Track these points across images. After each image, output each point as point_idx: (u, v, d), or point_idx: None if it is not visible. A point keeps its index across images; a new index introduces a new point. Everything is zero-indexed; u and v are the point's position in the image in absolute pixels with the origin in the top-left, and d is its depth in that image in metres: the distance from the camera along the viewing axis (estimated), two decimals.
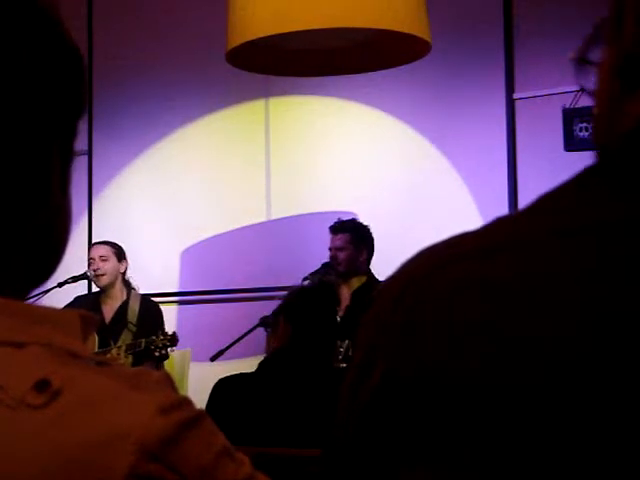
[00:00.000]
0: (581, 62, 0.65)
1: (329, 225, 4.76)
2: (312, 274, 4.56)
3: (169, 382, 0.65)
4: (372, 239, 4.70)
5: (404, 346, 0.58)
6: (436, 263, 0.60)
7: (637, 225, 0.56)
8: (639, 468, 0.52)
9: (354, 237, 4.65)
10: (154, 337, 4.48)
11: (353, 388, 0.61)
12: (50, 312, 0.67)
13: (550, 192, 0.61)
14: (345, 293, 4.57)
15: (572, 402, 0.53)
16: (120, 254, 4.87)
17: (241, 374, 2.94)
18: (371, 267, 4.70)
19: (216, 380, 2.92)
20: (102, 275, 4.81)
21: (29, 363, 0.62)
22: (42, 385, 0.61)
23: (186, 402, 0.63)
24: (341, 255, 4.61)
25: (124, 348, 4.58)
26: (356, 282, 4.62)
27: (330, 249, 4.66)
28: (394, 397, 0.58)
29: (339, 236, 4.65)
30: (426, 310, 0.58)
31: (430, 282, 0.59)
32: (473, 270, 0.58)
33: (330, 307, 3.02)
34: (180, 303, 5.77)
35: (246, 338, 4.18)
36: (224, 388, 2.85)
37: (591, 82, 0.65)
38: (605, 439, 0.53)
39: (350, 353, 4.02)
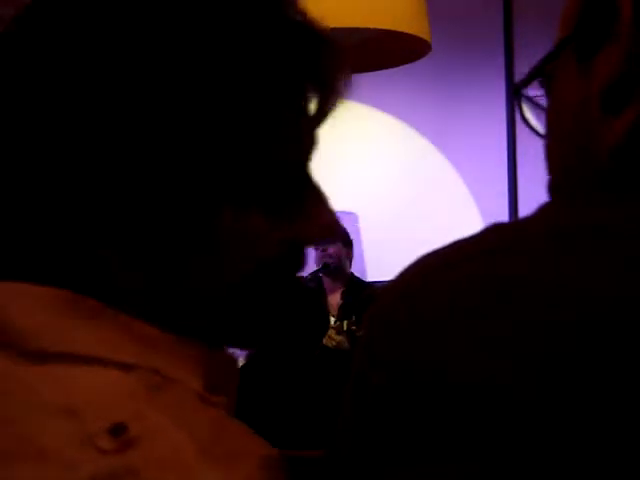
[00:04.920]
0: (520, 93, 0.68)
1: None
2: (312, 274, 4.56)
3: (275, 461, 0.60)
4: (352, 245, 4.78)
5: (408, 345, 0.59)
6: (439, 264, 0.60)
7: (638, 227, 0.57)
8: (636, 466, 0.53)
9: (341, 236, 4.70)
10: None
11: (356, 387, 0.61)
12: (171, 340, 0.63)
13: (548, 202, 0.63)
14: (335, 295, 4.61)
15: (575, 402, 0.54)
16: None
17: None
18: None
19: None
20: None
21: (119, 395, 0.58)
22: (118, 430, 0.56)
23: None
24: (331, 249, 4.63)
25: None
26: (342, 284, 4.66)
27: (316, 247, 4.66)
28: (399, 395, 0.58)
29: None
30: (429, 309, 0.59)
31: (433, 282, 0.60)
32: (475, 270, 0.58)
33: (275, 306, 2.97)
34: None
35: None
36: None
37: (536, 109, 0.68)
38: (604, 433, 0.53)
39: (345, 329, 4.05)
